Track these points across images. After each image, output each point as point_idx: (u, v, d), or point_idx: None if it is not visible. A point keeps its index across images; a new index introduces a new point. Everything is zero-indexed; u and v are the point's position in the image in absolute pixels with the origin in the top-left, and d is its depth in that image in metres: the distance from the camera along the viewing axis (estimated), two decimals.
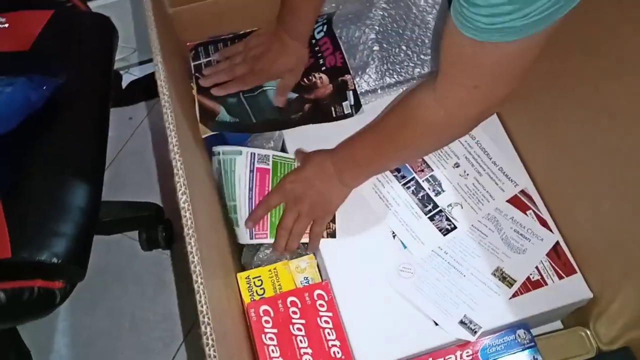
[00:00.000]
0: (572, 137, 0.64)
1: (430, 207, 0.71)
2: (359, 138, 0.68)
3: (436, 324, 0.64)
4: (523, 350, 0.64)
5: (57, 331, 0.97)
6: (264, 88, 0.80)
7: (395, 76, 0.80)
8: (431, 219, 0.70)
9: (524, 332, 0.65)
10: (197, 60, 0.83)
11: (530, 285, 0.66)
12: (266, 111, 0.79)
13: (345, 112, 0.78)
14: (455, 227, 0.70)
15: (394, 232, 0.70)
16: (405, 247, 0.69)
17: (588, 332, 0.67)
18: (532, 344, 0.64)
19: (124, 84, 1.12)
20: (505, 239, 0.68)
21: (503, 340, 0.65)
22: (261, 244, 0.73)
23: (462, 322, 0.64)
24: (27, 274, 0.53)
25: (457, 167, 0.73)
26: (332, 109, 0.79)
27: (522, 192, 0.72)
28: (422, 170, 0.73)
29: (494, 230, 0.69)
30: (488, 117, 0.56)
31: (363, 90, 0.79)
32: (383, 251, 0.69)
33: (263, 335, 0.64)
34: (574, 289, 0.66)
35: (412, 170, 0.73)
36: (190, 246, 0.42)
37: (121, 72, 1.17)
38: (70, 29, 0.70)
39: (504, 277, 0.66)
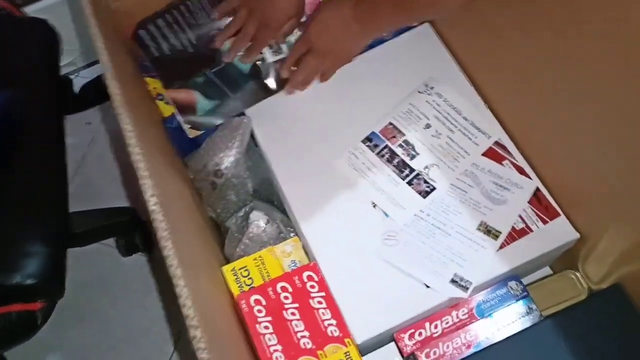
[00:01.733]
0: (543, 82, 0.64)
1: (406, 171, 0.70)
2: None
3: (427, 287, 0.64)
4: (517, 301, 0.64)
5: (49, 351, 0.94)
6: None
7: None
8: (409, 183, 0.69)
9: (516, 284, 0.65)
10: (145, 46, 0.77)
11: (516, 234, 0.66)
12: (241, 82, 0.76)
13: None
14: (434, 188, 0.69)
15: (374, 203, 0.69)
16: (387, 215, 0.68)
17: (578, 274, 0.68)
18: (525, 293, 0.65)
19: (77, 89, 1.07)
20: (485, 193, 0.68)
21: (496, 294, 0.65)
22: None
23: (453, 281, 0.64)
24: (2, 300, 0.50)
25: (428, 128, 0.72)
26: None
27: (497, 143, 0.71)
28: (394, 137, 0.72)
29: (473, 186, 0.69)
30: None
31: None
32: (366, 223, 0.68)
33: (258, 325, 0.63)
34: (560, 232, 0.66)
35: (384, 138, 0.72)
36: (167, 249, 0.40)
37: (70, 76, 1.11)
38: (7, 37, 0.66)
39: (488, 231, 0.66)
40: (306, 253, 0.69)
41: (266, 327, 0.63)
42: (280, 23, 0.73)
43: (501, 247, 0.65)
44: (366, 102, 0.75)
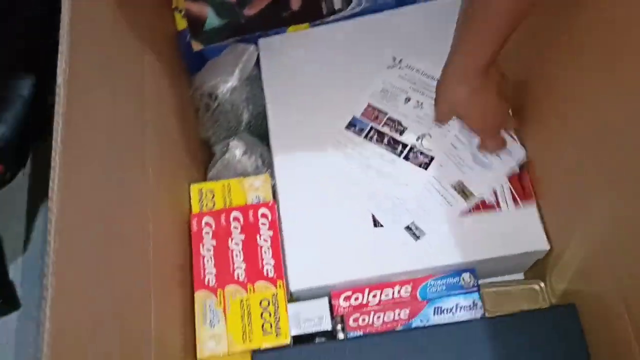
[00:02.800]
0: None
1: (400, 148, 0.67)
2: (464, 28, 0.56)
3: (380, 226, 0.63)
4: (465, 294, 0.61)
5: None
6: None
7: None
8: (406, 158, 0.66)
9: (470, 276, 0.62)
10: None
11: (483, 207, 0.63)
12: (253, 7, 0.75)
13: (336, 7, 0.74)
14: (432, 158, 0.66)
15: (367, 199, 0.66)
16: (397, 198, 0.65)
17: (542, 285, 0.63)
18: (475, 288, 0.61)
19: None
20: (474, 154, 0.65)
21: (445, 281, 0.62)
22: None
23: (407, 228, 0.62)
24: None
25: (408, 101, 0.68)
26: (322, 3, 0.75)
27: None
28: (377, 117, 0.69)
29: (466, 144, 0.65)
30: None
31: None
32: (337, 177, 0.66)
33: (201, 246, 0.64)
34: (529, 239, 0.61)
35: (367, 121, 0.69)
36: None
37: None
38: None
39: (462, 191, 0.63)
40: (274, 193, 0.69)
41: (208, 250, 0.63)
42: None
43: (467, 213, 0.62)
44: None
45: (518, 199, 0.63)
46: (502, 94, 0.59)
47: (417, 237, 0.62)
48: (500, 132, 0.63)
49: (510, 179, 0.64)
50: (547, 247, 0.60)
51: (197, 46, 0.75)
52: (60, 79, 0.37)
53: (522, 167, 0.64)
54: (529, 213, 0.62)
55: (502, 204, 0.62)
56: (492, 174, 0.64)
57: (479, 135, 0.63)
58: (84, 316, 0.40)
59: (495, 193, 0.63)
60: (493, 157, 0.64)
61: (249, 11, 0.76)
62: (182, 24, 0.77)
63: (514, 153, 0.64)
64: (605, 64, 0.47)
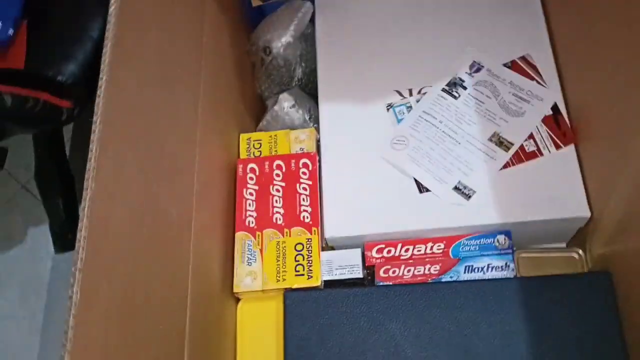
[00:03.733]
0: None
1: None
2: None
3: (426, 191, 0.63)
4: (498, 255, 0.61)
5: None
6: None
7: None
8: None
9: (504, 238, 0.61)
10: None
11: (524, 156, 0.62)
12: None
13: None
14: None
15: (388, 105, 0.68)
16: (399, 120, 0.67)
17: (581, 253, 0.62)
18: (509, 250, 0.61)
19: None
20: (502, 104, 0.64)
21: (479, 241, 0.62)
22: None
23: (456, 188, 0.63)
24: (34, 86, 0.59)
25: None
26: None
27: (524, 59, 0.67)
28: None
29: (491, 97, 0.65)
30: None
31: None
32: (377, 126, 0.68)
33: (245, 190, 0.67)
34: (570, 205, 0.60)
35: None
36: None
37: None
38: None
39: (500, 142, 0.63)
40: (318, 148, 0.71)
41: (251, 194, 0.67)
42: None
43: (506, 165, 0.62)
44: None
45: (559, 142, 0.62)
46: None
47: (468, 197, 0.62)
48: None
49: (548, 124, 0.63)
50: (588, 214, 0.59)
51: (256, 2, 0.77)
52: (111, 9, 0.40)
53: (558, 112, 0.63)
54: (571, 172, 0.61)
55: (543, 150, 0.62)
56: (525, 120, 0.63)
57: None
58: (122, 231, 0.44)
59: (534, 140, 0.62)
60: (524, 103, 0.64)
61: None
62: None
63: (546, 98, 0.63)
64: None
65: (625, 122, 0.51)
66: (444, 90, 0.68)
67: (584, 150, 0.61)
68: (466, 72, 0.68)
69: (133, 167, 0.45)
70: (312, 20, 0.77)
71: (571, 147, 0.62)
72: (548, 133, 0.63)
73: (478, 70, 0.68)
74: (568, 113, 0.63)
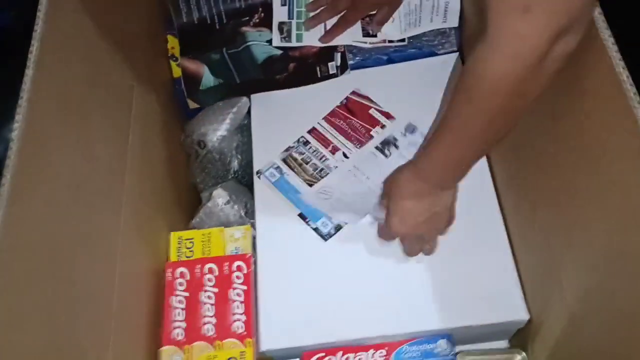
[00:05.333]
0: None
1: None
2: (435, 139, 0.53)
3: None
4: None
5: None
6: (248, 43, 0.76)
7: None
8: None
9: (446, 343, 0.59)
10: (178, 8, 0.76)
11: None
12: (250, 70, 0.76)
13: (330, 72, 0.75)
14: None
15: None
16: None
17: (524, 356, 0.60)
18: (452, 356, 0.59)
19: None
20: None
21: (420, 347, 0.59)
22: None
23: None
24: None
25: None
26: (317, 68, 0.76)
27: None
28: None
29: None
30: (564, 51, 0.40)
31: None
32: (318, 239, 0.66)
33: (173, 297, 0.62)
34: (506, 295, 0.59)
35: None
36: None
37: None
38: None
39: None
40: (254, 245, 0.68)
41: (180, 302, 0.62)
42: (369, 7, 0.72)
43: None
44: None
45: None
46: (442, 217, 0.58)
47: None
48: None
49: None
50: (526, 317, 0.58)
51: (192, 104, 0.76)
52: (19, 114, 0.36)
53: None
54: (509, 274, 0.60)
55: None
56: None
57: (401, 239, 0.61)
58: None
59: None
60: None
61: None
62: (177, 71, 0.78)
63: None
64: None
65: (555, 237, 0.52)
66: (377, 147, 0.69)
67: (520, 253, 0.61)
68: (401, 132, 0.70)
69: (37, 304, 0.40)
70: (248, 112, 0.76)
71: (508, 248, 0.61)
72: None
73: (413, 131, 0.69)
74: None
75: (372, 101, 0.73)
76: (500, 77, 0.42)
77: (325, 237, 0.65)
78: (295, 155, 0.71)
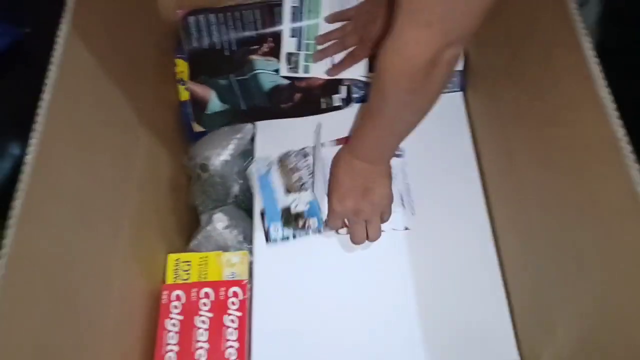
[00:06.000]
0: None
1: None
2: (361, 119, 0.63)
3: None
4: None
5: None
6: (256, 71, 0.78)
7: None
8: None
9: None
10: (188, 33, 0.79)
11: None
12: (256, 98, 0.78)
13: (335, 104, 0.77)
14: None
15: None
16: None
17: None
18: None
19: None
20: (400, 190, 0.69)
21: None
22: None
23: None
24: None
25: None
26: (322, 99, 0.77)
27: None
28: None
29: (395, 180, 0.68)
30: (452, 57, 0.48)
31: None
32: (316, 252, 0.67)
33: (167, 320, 0.63)
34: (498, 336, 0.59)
35: None
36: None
37: None
38: None
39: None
40: (250, 271, 0.68)
41: (174, 325, 0.62)
42: (378, 46, 0.73)
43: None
44: None
45: None
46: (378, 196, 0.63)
47: None
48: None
49: None
50: (517, 359, 0.58)
51: (197, 128, 0.77)
52: (34, 138, 0.37)
53: None
54: (501, 315, 0.60)
55: None
56: None
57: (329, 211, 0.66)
58: None
59: None
60: None
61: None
62: (184, 95, 0.80)
63: None
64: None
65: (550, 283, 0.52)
66: None
67: (514, 294, 0.61)
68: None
69: (35, 324, 0.40)
70: (251, 138, 0.78)
71: (501, 288, 0.62)
72: None
73: (398, 155, 0.71)
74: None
75: None
76: (398, 74, 0.50)
77: (269, 240, 0.68)
78: (291, 160, 0.72)
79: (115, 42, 0.57)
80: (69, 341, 0.45)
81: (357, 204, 0.63)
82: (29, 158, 0.38)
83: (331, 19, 0.77)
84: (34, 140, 0.39)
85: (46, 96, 0.41)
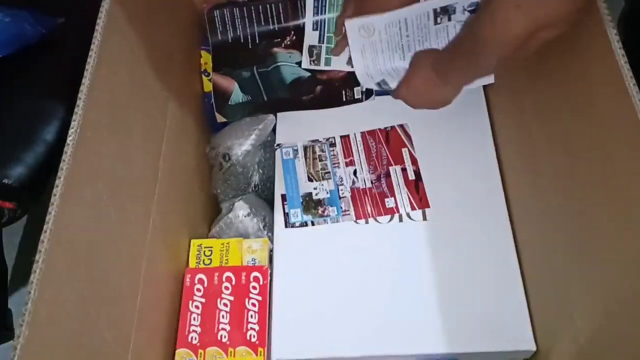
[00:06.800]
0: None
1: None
2: (453, 45, 0.66)
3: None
4: None
5: None
6: (278, 64, 0.80)
7: None
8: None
9: None
10: (213, 26, 0.80)
11: (384, 211, 0.68)
12: (278, 89, 0.80)
13: (356, 96, 0.78)
14: None
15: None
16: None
17: None
18: None
19: None
20: None
21: None
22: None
23: (378, 84, 0.72)
24: None
25: None
26: (343, 92, 0.79)
27: None
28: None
29: None
30: (547, 39, 0.50)
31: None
32: (334, 239, 0.68)
33: (190, 302, 0.65)
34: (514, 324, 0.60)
35: None
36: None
37: None
38: None
39: None
40: (270, 258, 0.70)
41: (196, 307, 0.65)
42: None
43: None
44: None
45: (416, 205, 0.69)
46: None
47: (380, 87, 0.72)
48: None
49: (409, 188, 0.70)
50: (533, 348, 0.59)
51: (220, 118, 0.79)
52: (74, 121, 0.40)
53: (420, 179, 0.71)
54: (518, 302, 0.62)
55: (400, 208, 0.69)
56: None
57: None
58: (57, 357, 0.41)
59: (394, 198, 0.70)
60: None
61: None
62: (208, 86, 0.82)
63: None
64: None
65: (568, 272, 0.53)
66: (434, 10, 0.67)
67: (532, 284, 0.62)
68: (463, 7, 0.67)
69: (72, 297, 0.43)
70: (273, 129, 0.80)
71: (519, 277, 0.63)
72: (408, 195, 0.69)
73: (473, 11, 0.67)
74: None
75: (411, 143, 0.74)
76: (489, 39, 0.52)
77: (288, 225, 0.70)
78: (317, 148, 0.74)
79: (148, 33, 0.59)
80: (100, 318, 0.48)
81: (419, 104, 0.68)
82: (70, 140, 0.40)
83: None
84: (74, 124, 0.41)
85: (86, 81, 0.43)
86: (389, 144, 0.75)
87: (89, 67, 0.43)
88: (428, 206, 0.69)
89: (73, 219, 0.41)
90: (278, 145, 0.74)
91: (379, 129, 0.76)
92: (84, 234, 0.44)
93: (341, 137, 0.75)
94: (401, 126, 0.76)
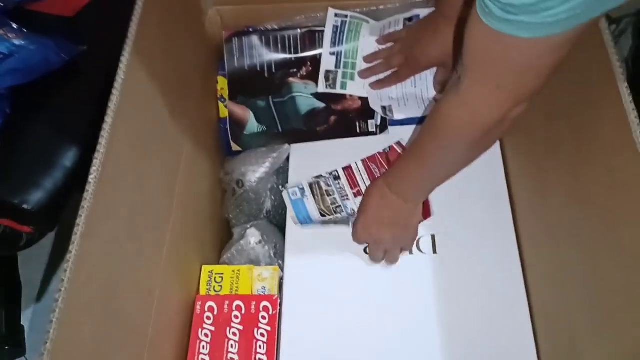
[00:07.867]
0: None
1: None
2: (405, 156, 0.65)
3: None
4: None
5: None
6: (293, 94, 0.81)
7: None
8: None
9: None
10: (231, 54, 0.82)
11: None
12: (292, 120, 0.81)
13: (370, 129, 0.79)
14: None
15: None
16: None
17: None
18: None
19: None
20: None
21: None
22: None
23: (383, 107, 0.76)
24: None
25: None
26: (357, 124, 0.79)
27: None
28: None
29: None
30: (518, 114, 0.48)
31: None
32: (346, 274, 0.69)
33: (200, 330, 0.65)
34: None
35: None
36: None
37: None
38: (116, 6, 0.76)
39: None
40: (280, 286, 0.71)
41: (206, 335, 0.65)
42: (421, 67, 0.77)
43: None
44: None
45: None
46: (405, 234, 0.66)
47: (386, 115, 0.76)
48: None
49: None
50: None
51: (235, 147, 0.80)
52: (96, 159, 0.41)
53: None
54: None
55: None
56: None
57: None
58: None
59: None
60: None
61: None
62: (224, 112, 0.83)
63: None
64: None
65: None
66: None
67: (541, 329, 0.62)
68: None
69: (88, 335, 0.43)
70: (287, 158, 0.80)
71: (527, 317, 0.63)
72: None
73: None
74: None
75: None
76: (464, 130, 0.51)
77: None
78: (322, 184, 0.75)
79: (169, 62, 0.60)
80: (114, 350, 0.48)
81: (381, 234, 0.66)
82: (91, 179, 0.41)
83: (383, 39, 0.80)
84: (96, 162, 0.42)
85: (109, 119, 0.44)
86: (390, 164, 0.75)
87: (112, 105, 0.45)
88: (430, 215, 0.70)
89: (92, 257, 0.42)
90: (284, 187, 0.75)
91: (378, 153, 0.76)
92: (101, 270, 0.45)
93: (343, 168, 0.75)
94: (398, 143, 0.77)
